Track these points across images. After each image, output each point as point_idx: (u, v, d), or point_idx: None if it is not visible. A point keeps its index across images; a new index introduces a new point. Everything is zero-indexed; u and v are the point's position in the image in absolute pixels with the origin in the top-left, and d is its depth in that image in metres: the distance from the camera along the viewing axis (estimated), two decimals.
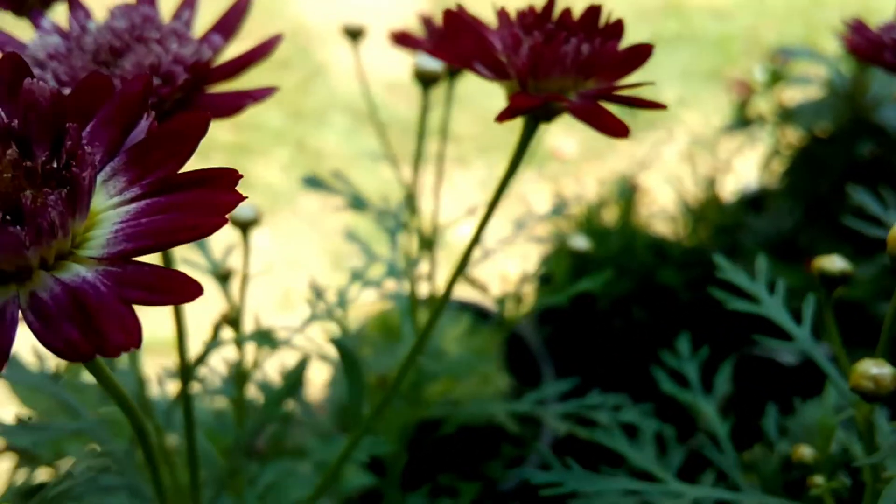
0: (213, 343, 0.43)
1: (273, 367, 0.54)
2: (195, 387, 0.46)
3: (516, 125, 0.34)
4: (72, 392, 0.48)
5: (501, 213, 0.39)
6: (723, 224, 1.11)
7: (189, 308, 0.40)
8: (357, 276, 0.54)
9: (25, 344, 0.28)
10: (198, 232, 0.22)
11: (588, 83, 0.32)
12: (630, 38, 0.33)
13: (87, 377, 0.65)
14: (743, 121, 1.18)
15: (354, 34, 0.63)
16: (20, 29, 0.39)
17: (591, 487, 0.37)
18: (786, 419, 0.51)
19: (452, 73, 0.59)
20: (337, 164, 1.47)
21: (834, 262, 0.35)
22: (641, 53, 0.32)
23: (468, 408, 0.67)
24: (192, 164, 0.24)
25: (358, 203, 0.63)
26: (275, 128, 1.75)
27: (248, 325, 0.51)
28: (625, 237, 1.10)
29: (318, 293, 0.53)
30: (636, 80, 0.33)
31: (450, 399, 0.79)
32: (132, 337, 0.19)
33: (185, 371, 0.39)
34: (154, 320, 0.43)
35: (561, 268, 0.98)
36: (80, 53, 0.35)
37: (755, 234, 1.07)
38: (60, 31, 0.36)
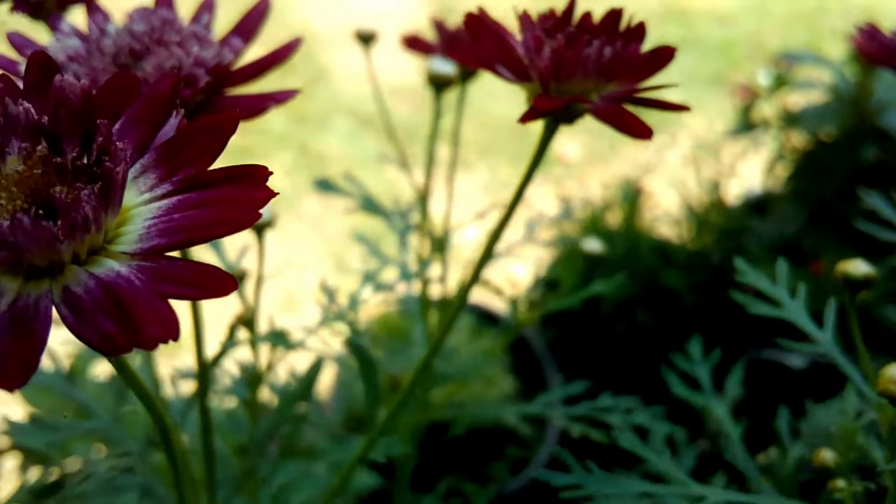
0: (230, 343, 0.43)
1: (282, 368, 0.54)
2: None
3: (519, 129, 0.34)
4: (82, 392, 0.48)
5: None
6: (727, 228, 1.11)
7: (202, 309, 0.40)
8: (369, 277, 0.54)
9: None
10: (231, 227, 0.22)
11: (609, 86, 0.32)
12: None
13: (91, 378, 0.65)
14: (747, 125, 1.18)
15: (366, 38, 0.62)
16: (36, 32, 0.39)
17: (612, 490, 0.37)
18: (797, 422, 0.51)
19: (465, 76, 0.59)
20: (340, 168, 1.47)
21: (858, 267, 0.35)
22: (664, 56, 0.32)
23: (478, 410, 0.67)
24: None
25: (369, 205, 0.63)
26: (278, 131, 1.75)
27: (259, 327, 0.51)
28: (629, 240, 1.10)
29: (329, 295, 0.53)
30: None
31: (456, 401, 0.79)
32: (170, 330, 0.19)
33: (203, 371, 0.39)
34: None
35: (568, 271, 0.98)
36: (99, 56, 0.35)
37: (759, 237, 1.07)
38: (79, 33, 0.36)
